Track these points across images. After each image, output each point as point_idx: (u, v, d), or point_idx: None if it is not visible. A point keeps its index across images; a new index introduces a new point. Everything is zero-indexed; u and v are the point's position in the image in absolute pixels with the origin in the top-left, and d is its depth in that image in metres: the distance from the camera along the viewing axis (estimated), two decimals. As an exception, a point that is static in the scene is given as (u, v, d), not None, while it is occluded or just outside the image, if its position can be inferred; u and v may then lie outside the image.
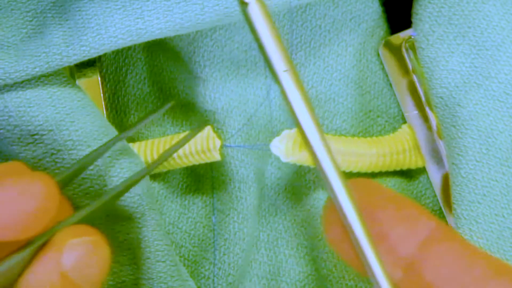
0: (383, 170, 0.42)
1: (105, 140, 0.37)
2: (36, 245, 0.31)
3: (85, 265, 0.31)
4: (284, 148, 0.39)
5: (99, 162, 0.36)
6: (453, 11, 0.38)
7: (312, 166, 0.41)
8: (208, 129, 0.41)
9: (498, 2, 0.38)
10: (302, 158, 0.39)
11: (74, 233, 0.32)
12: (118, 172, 0.37)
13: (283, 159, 0.40)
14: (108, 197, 0.34)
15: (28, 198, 0.30)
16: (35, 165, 0.37)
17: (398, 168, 0.42)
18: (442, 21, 0.39)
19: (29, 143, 0.37)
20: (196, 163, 0.41)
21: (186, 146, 0.40)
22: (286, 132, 0.40)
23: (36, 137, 0.36)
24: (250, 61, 0.43)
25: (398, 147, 0.42)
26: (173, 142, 0.41)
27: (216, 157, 0.41)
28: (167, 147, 0.41)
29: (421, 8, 0.39)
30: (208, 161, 0.41)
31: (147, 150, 0.41)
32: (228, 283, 0.43)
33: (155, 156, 0.41)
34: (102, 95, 0.44)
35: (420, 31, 0.39)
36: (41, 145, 0.37)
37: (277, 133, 0.44)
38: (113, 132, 0.38)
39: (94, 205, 0.34)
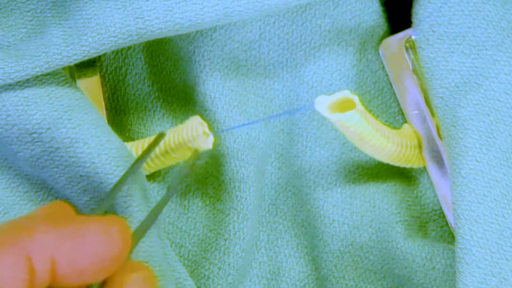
0: (395, 163, 0.41)
1: (102, 138, 0.37)
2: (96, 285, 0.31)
3: None
4: (327, 105, 0.38)
5: (96, 160, 0.36)
6: (453, 11, 0.38)
7: (348, 134, 0.40)
8: (194, 119, 0.40)
9: (499, 2, 0.38)
10: (345, 117, 0.38)
11: (131, 268, 0.32)
12: (113, 170, 0.36)
13: (326, 115, 0.37)
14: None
15: (111, 242, 0.30)
16: (34, 164, 0.37)
17: (405, 165, 0.42)
18: (442, 21, 0.38)
19: (27, 142, 0.37)
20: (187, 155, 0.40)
21: (176, 137, 0.40)
22: (336, 94, 0.38)
23: (34, 135, 0.36)
24: (250, 60, 0.43)
25: (411, 141, 0.42)
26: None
27: (207, 144, 0.39)
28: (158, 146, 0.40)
29: (421, 8, 0.39)
30: (200, 150, 0.40)
31: (138, 150, 0.41)
32: (228, 283, 0.43)
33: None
34: (102, 95, 0.44)
35: (420, 31, 0.39)
36: (39, 143, 0.36)
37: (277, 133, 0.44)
38: (109, 131, 0.38)
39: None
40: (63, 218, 0.30)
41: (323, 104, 0.37)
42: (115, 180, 0.36)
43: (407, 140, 0.41)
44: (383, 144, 0.39)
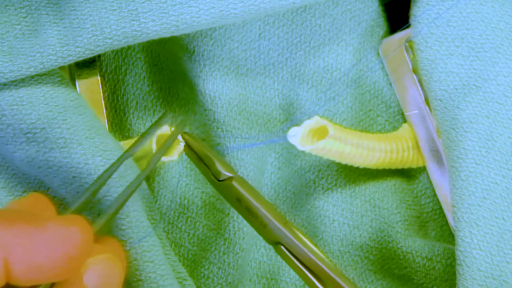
0: (389, 167, 0.42)
1: (97, 139, 0.36)
2: None
3: (106, 282, 0.31)
4: (300, 137, 0.38)
5: (90, 161, 0.36)
6: (451, 12, 0.38)
7: (328, 157, 0.40)
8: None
9: (497, 4, 0.38)
10: (318, 147, 0.38)
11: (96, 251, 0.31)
12: (98, 162, 0.36)
13: (299, 147, 0.38)
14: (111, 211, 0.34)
15: (68, 243, 0.29)
16: (30, 164, 0.37)
17: (401, 166, 0.42)
18: (440, 22, 0.38)
19: (22, 142, 0.36)
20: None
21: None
22: (306, 123, 0.38)
23: (29, 135, 0.36)
24: (249, 60, 0.43)
25: (404, 144, 0.41)
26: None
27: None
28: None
29: (419, 9, 0.39)
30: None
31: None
32: (228, 282, 0.43)
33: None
34: (101, 94, 0.43)
35: (418, 33, 0.39)
36: (33, 143, 0.36)
37: (277, 133, 0.44)
38: (105, 133, 0.37)
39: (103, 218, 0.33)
40: (24, 216, 0.29)
41: (296, 136, 0.37)
42: (102, 171, 0.36)
43: (401, 143, 0.41)
44: (369, 156, 0.39)
